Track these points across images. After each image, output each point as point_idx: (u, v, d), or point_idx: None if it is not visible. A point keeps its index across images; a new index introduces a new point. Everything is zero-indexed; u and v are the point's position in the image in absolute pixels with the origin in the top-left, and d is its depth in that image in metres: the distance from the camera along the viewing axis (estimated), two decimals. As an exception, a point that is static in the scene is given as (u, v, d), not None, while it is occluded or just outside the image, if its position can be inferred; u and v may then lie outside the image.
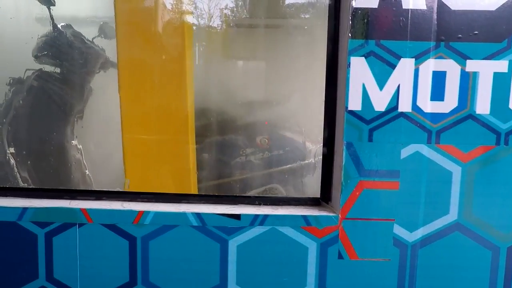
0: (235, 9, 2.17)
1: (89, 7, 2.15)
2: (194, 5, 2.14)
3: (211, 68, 2.06)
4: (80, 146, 2.01)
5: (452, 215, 1.15)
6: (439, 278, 1.17)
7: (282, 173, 1.95)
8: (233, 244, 1.18)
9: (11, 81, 1.94)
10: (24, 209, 1.17)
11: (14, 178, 1.88)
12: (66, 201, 1.25)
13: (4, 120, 1.91)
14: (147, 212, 1.17)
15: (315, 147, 2.02)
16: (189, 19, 2.14)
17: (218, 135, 1.94)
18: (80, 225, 1.18)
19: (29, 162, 1.90)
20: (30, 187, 1.31)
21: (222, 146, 1.94)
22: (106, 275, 1.20)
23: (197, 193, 1.57)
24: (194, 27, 2.05)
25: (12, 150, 1.93)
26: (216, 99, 1.97)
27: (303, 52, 1.97)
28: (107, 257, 1.19)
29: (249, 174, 1.93)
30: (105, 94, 1.96)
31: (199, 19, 2.12)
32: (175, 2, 1.57)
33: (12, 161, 1.89)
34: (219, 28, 2.13)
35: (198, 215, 1.17)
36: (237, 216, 1.17)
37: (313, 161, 1.99)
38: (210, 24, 2.13)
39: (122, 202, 1.27)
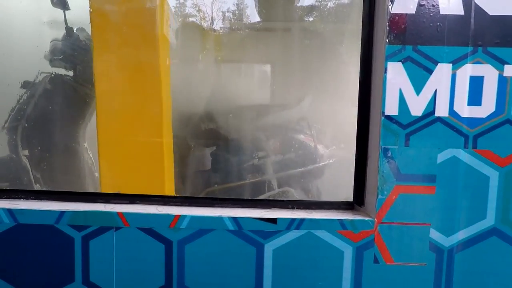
0: (237, 12, 2.19)
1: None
2: (197, 8, 2.17)
3: (221, 71, 2.09)
4: (89, 151, 2.03)
5: (489, 220, 1.15)
6: (475, 284, 1.17)
7: (295, 176, 1.95)
8: (269, 248, 1.19)
9: (24, 84, 1.96)
10: (62, 213, 1.18)
11: (29, 180, 1.90)
12: (101, 204, 1.26)
13: (18, 123, 1.93)
14: (184, 216, 1.18)
15: (327, 150, 2.02)
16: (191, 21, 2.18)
17: (229, 138, 1.96)
18: (117, 228, 1.19)
19: (42, 164, 1.92)
20: (64, 190, 1.31)
21: (233, 149, 1.95)
22: (141, 279, 1.20)
23: (176, 195, 1.57)
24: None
25: (26, 152, 1.96)
26: (225, 102, 1.99)
27: (314, 54, 1.98)
28: (143, 261, 1.20)
29: (261, 177, 1.94)
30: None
31: (202, 22, 2.15)
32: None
33: (27, 163, 1.91)
34: (229, 30, 2.15)
35: (234, 219, 1.17)
36: (273, 220, 1.17)
37: (325, 164, 1.99)
38: (223, 27, 2.16)
39: (157, 206, 1.28)
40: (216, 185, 1.94)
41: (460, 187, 1.15)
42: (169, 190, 1.55)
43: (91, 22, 1.47)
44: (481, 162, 1.14)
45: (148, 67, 1.47)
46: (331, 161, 2.01)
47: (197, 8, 2.19)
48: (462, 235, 1.16)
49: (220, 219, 1.18)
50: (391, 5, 1.11)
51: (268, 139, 1.99)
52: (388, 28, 1.11)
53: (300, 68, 2.02)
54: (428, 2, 1.10)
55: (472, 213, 1.15)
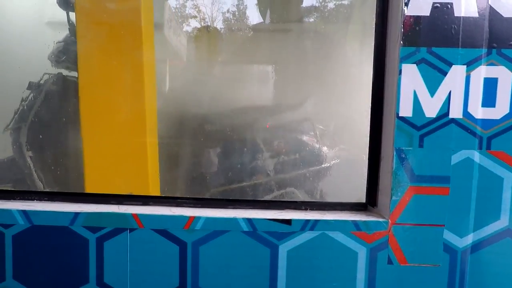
0: (237, 13, 2.19)
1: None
2: (197, 9, 2.17)
3: (226, 72, 2.09)
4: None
5: (503, 221, 1.16)
6: (489, 285, 1.18)
7: (299, 177, 1.95)
8: (283, 249, 1.19)
9: (29, 85, 1.97)
10: (76, 214, 1.19)
11: (33, 181, 1.90)
12: (115, 206, 1.27)
13: (23, 124, 1.93)
14: (198, 218, 1.18)
15: (331, 151, 2.03)
16: (193, 22, 2.18)
17: (233, 140, 1.96)
18: (131, 230, 1.19)
19: (46, 166, 1.92)
20: (77, 192, 1.32)
21: (238, 150, 1.95)
22: (155, 280, 1.21)
23: (161, 195, 1.59)
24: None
25: (30, 153, 1.96)
26: (230, 103, 1.99)
27: (317, 55, 1.99)
28: (157, 262, 1.20)
29: (266, 178, 1.94)
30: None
31: (202, 22, 2.15)
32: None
33: (31, 164, 1.91)
34: (234, 31, 2.16)
35: (249, 220, 1.18)
36: (287, 221, 1.18)
37: (329, 165, 2.00)
38: (227, 28, 2.16)
39: (170, 207, 1.28)
40: (220, 187, 1.95)
41: (474, 188, 1.15)
42: (154, 190, 1.55)
43: (76, 20, 1.48)
44: (495, 163, 1.14)
45: (131, 66, 1.47)
46: (335, 161, 2.02)
47: (197, 9, 2.19)
48: (475, 236, 1.17)
49: (234, 220, 1.18)
50: (405, 8, 1.11)
51: (272, 140, 1.99)
52: (402, 30, 1.12)
53: (305, 69, 2.02)
54: (442, 4, 1.11)
55: (486, 214, 1.16)
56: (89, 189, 1.47)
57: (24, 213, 1.19)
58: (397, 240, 1.18)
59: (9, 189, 1.55)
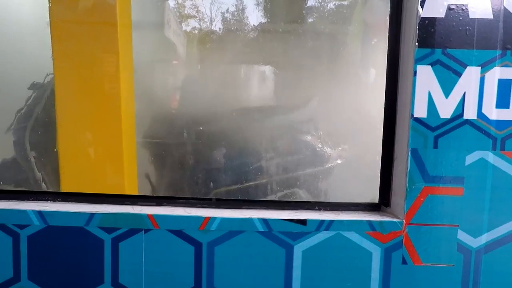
0: (237, 13, 2.19)
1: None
2: (196, 9, 2.17)
3: (230, 72, 2.09)
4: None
5: (516, 221, 1.17)
6: (503, 285, 1.19)
7: (303, 177, 1.96)
8: (298, 249, 1.19)
9: (32, 85, 1.96)
10: (92, 215, 1.19)
11: (35, 181, 1.89)
12: (129, 206, 1.27)
13: (26, 124, 1.93)
14: (214, 218, 1.18)
15: (334, 152, 2.03)
16: (192, 22, 2.18)
17: (236, 140, 1.96)
18: (146, 230, 1.20)
19: (50, 166, 1.92)
20: (91, 192, 1.32)
21: (241, 150, 1.95)
22: (170, 281, 1.21)
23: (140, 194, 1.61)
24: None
25: (34, 153, 1.95)
26: (235, 103, 2.00)
27: (321, 56, 2.00)
28: (172, 263, 1.20)
29: (269, 178, 1.95)
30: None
31: (201, 22, 2.15)
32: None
33: (35, 164, 1.91)
34: (236, 32, 2.16)
35: (264, 221, 1.18)
36: (303, 222, 1.18)
37: (332, 165, 2.00)
38: (231, 29, 2.16)
39: (184, 207, 1.28)
40: (225, 187, 1.95)
41: (488, 189, 1.16)
42: (130, 189, 1.56)
43: (50, 20, 1.47)
44: (509, 164, 1.15)
45: (106, 67, 1.47)
46: (338, 162, 2.02)
47: (196, 9, 2.18)
48: (489, 236, 1.17)
49: (250, 220, 1.18)
50: (421, 9, 1.12)
51: (275, 140, 2.00)
52: (417, 31, 1.13)
53: (308, 69, 2.03)
54: (457, 6, 1.12)
55: (500, 214, 1.17)
56: (64, 188, 1.49)
57: (39, 213, 1.19)
58: (411, 240, 1.19)
59: (23, 189, 1.55)
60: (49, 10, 1.47)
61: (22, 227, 1.19)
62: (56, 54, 1.48)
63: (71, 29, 1.47)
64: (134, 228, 1.20)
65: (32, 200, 1.29)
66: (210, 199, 1.32)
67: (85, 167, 1.51)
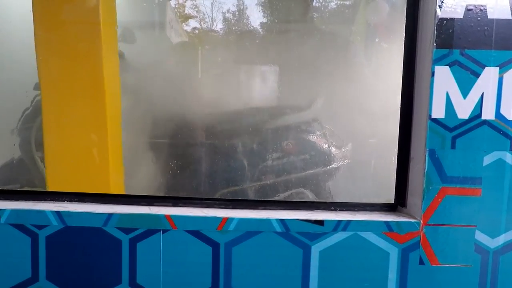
0: (237, 13, 2.19)
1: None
2: (196, 9, 2.18)
3: (234, 73, 2.10)
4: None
5: (534, 222, 1.17)
6: (520, 284, 1.19)
7: (309, 177, 1.96)
8: (316, 249, 1.20)
9: (37, 85, 1.97)
10: (110, 215, 1.19)
11: (41, 181, 1.90)
12: (146, 207, 1.27)
13: (32, 124, 1.94)
14: (231, 219, 1.19)
15: (340, 152, 2.03)
16: (192, 22, 2.18)
17: (243, 140, 1.96)
18: (164, 231, 1.20)
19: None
20: (108, 193, 1.32)
21: (248, 151, 1.95)
22: (188, 281, 1.21)
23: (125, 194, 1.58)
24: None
25: (40, 154, 1.96)
26: (241, 104, 2.00)
27: (325, 56, 1.99)
28: (190, 263, 1.21)
29: (275, 178, 1.95)
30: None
31: (202, 23, 2.15)
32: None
33: (41, 164, 1.92)
34: (241, 32, 2.16)
35: (282, 221, 1.18)
36: (320, 222, 1.18)
37: (338, 165, 2.00)
38: (234, 29, 2.15)
39: (201, 208, 1.29)
40: (230, 187, 1.95)
41: (506, 189, 1.16)
42: (116, 189, 1.55)
43: (33, 21, 1.46)
44: (527, 164, 1.15)
45: (91, 67, 1.47)
46: (345, 162, 2.02)
47: (197, 9, 2.18)
48: (507, 236, 1.17)
49: (267, 221, 1.19)
50: (439, 10, 1.12)
51: (281, 140, 2.00)
52: (435, 32, 1.13)
53: (314, 70, 2.03)
54: (475, 7, 1.12)
55: (518, 215, 1.17)
56: (51, 187, 1.49)
57: (58, 214, 1.19)
58: (428, 240, 1.19)
59: (41, 190, 1.55)
60: (32, 7, 1.46)
61: (40, 227, 1.20)
62: (39, 53, 1.48)
63: (54, 28, 1.47)
64: (152, 228, 1.20)
65: (50, 200, 1.30)
66: (227, 200, 1.32)
67: (70, 167, 1.51)
